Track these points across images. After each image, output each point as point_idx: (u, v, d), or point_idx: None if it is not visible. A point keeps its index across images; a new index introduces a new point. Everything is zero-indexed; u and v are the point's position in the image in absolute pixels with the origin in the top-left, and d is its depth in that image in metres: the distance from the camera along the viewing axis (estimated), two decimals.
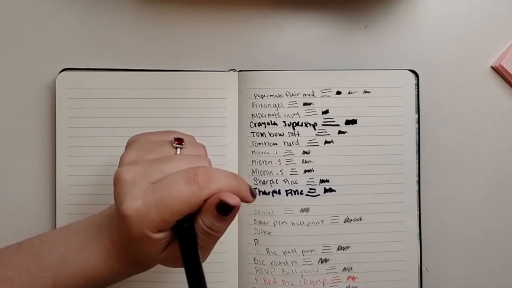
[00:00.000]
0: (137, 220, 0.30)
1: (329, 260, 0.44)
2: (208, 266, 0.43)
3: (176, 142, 0.34)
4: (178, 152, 0.34)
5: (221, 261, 0.44)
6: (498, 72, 0.46)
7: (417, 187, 0.44)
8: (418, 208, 0.44)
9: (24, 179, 0.45)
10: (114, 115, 0.44)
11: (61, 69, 0.44)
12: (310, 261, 0.44)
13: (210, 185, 0.31)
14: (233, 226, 0.44)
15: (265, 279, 0.43)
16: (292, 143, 0.44)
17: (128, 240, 0.32)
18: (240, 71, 0.45)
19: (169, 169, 0.32)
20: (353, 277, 0.44)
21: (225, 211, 0.31)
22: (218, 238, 0.33)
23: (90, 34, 0.46)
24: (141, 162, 0.32)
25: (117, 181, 0.32)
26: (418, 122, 0.45)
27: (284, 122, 0.44)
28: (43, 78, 0.45)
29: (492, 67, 0.46)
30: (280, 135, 0.44)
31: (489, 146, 0.46)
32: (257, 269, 0.44)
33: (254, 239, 0.44)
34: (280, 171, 0.44)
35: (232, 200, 0.31)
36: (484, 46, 0.46)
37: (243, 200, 0.32)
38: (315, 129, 0.44)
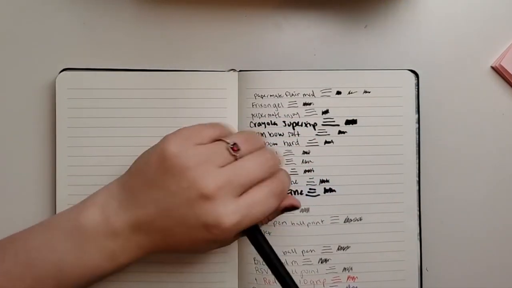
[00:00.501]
0: (231, 231, 0.34)
1: (329, 260, 0.44)
2: (208, 266, 0.44)
3: (234, 150, 0.35)
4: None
5: (221, 261, 0.44)
6: (498, 72, 0.46)
7: (417, 187, 0.44)
8: (418, 208, 0.44)
9: (24, 179, 0.45)
10: (114, 115, 0.44)
11: (61, 69, 0.44)
12: (310, 261, 0.44)
13: (285, 194, 0.37)
14: None
15: (265, 279, 0.43)
16: (292, 143, 0.44)
17: (194, 242, 0.34)
18: (240, 71, 0.45)
19: (248, 181, 0.35)
20: (353, 277, 0.44)
21: (290, 211, 0.39)
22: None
23: (90, 34, 0.46)
24: (216, 174, 0.34)
25: (209, 197, 0.33)
26: (418, 122, 0.45)
27: (284, 122, 0.44)
28: (43, 78, 0.45)
29: (492, 67, 0.46)
30: (280, 135, 0.44)
31: (489, 146, 0.46)
32: (257, 269, 0.44)
33: None
34: None
35: (299, 204, 0.39)
36: (484, 46, 0.46)
37: None
38: (315, 129, 0.44)
